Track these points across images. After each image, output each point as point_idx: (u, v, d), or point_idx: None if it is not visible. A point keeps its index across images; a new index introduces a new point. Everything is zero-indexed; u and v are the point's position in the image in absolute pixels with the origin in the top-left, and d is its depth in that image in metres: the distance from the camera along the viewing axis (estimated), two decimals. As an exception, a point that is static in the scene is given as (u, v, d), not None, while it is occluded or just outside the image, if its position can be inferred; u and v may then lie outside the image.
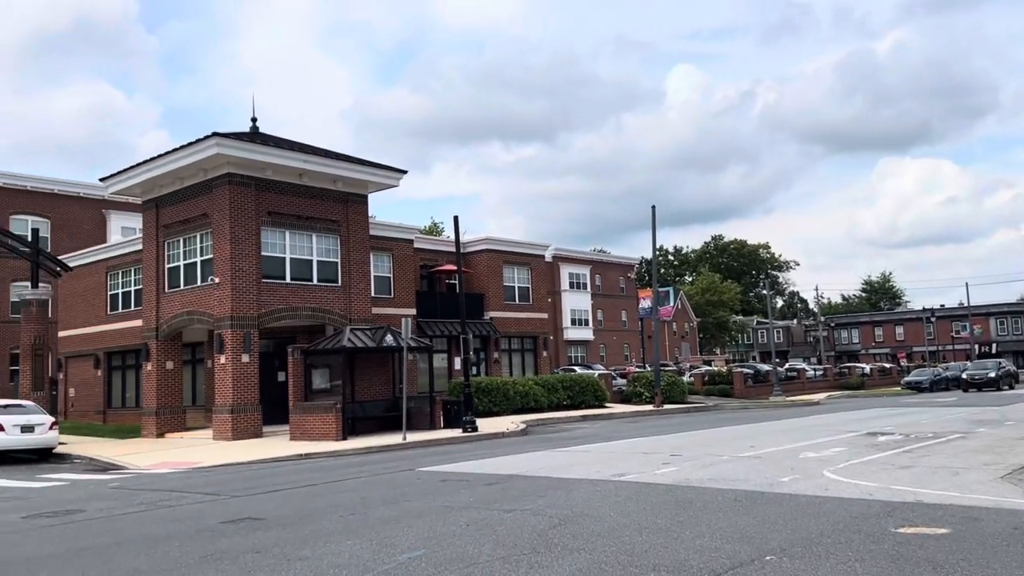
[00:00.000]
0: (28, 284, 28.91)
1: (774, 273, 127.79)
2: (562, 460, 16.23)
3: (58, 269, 30.27)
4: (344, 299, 27.18)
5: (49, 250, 34.94)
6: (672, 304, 46.84)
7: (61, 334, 35.77)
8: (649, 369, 43.45)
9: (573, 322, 63.25)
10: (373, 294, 29.46)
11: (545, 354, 41.15)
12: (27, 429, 21.01)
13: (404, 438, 22.03)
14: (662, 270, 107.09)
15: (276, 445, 21.87)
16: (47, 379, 28.47)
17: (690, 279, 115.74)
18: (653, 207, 38.53)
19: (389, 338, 24.91)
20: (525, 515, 9.75)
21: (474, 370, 32.60)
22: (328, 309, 26.73)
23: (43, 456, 21.66)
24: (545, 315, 42.32)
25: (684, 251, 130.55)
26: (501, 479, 13.36)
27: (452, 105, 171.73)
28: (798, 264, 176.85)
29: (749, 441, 18.73)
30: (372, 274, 29.44)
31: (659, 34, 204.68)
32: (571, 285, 63.54)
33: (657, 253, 40.53)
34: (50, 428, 21.54)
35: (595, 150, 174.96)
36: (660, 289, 41.86)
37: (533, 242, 43.78)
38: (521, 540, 8.32)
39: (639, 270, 73.86)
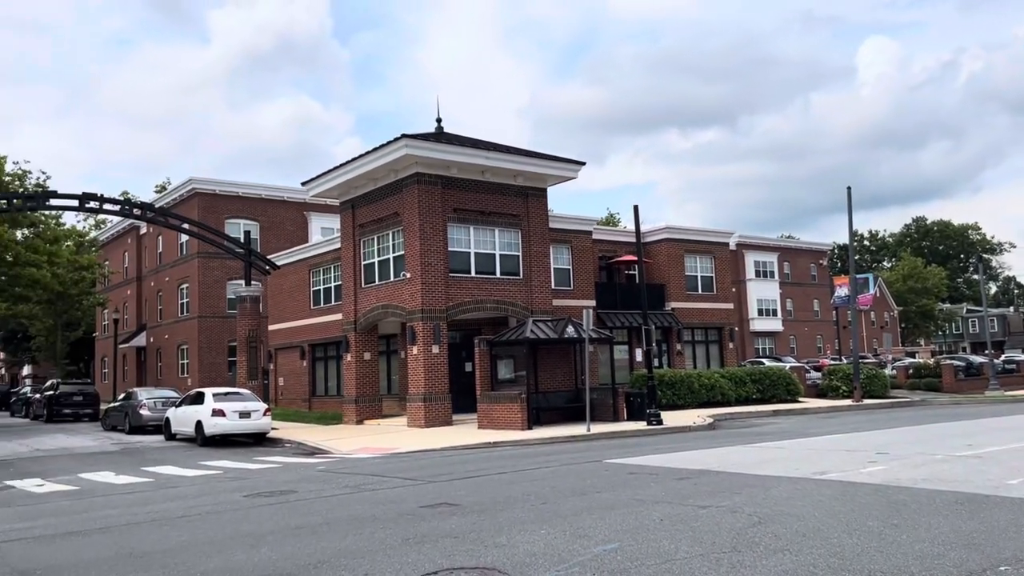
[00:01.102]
0: (242, 282, 31.59)
1: (986, 256, 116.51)
2: (755, 456, 15.57)
3: (267, 268, 32.85)
4: (525, 291, 27.59)
5: (259, 251, 38.00)
6: (871, 292, 43.72)
7: (271, 327, 38.83)
8: (846, 361, 40.89)
9: (760, 312, 60.82)
10: (553, 286, 29.70)
11: (731, 346, 39.78)
12: (244, 415, 22.97)
13: (588, 429, 22.03)
14: (857, 256, 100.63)
15: (465, 433, 22.57)
16: (260, 369, 31.01)
17: (889, 265, 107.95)
18: (848, 188, 36.18)
19: (570, 329, 25.00)
20: (721, 512, 9.40)
21: (656, 362, 32.09)
22: (511, 301, 27.24)
23: (258, 440, 23.59)
24: (730, 305, 40.90)
25: (881, 235, 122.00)
26: (692, 474, 12.99)
27: (627, 95, 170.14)
28: (1014, 246, 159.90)
29: (965, 439, 17.11)
30: (552, 266, 29.69)
31: (848, 6, 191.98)
32: (757, 274, 61.12)
33: (853, 237, 37.98)
34: (264, 414, 23.44)
35: (779, 132, 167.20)
36: (858, 276, 39.19)
37: (715, 229, 42.36)
38: (719, 538, 8.01)
39: (831, 256, 69.75)
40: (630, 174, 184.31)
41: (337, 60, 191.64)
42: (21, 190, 31.92)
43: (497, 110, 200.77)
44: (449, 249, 26.10)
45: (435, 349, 25.35)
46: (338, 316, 31.02)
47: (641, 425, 23.39)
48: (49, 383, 41.48)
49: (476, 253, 26.87)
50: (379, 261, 27.84)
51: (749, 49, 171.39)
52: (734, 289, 48.49)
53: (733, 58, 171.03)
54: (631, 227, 34.97)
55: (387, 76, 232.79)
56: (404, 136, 24.75)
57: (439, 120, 28.06)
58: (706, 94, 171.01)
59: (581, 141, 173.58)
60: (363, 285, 28.53)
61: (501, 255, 27.41)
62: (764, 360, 48.27)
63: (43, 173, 34.80)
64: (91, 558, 8.39)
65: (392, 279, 26.93)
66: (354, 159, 27.05)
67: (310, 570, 7.41)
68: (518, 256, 27.77)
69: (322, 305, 35.07)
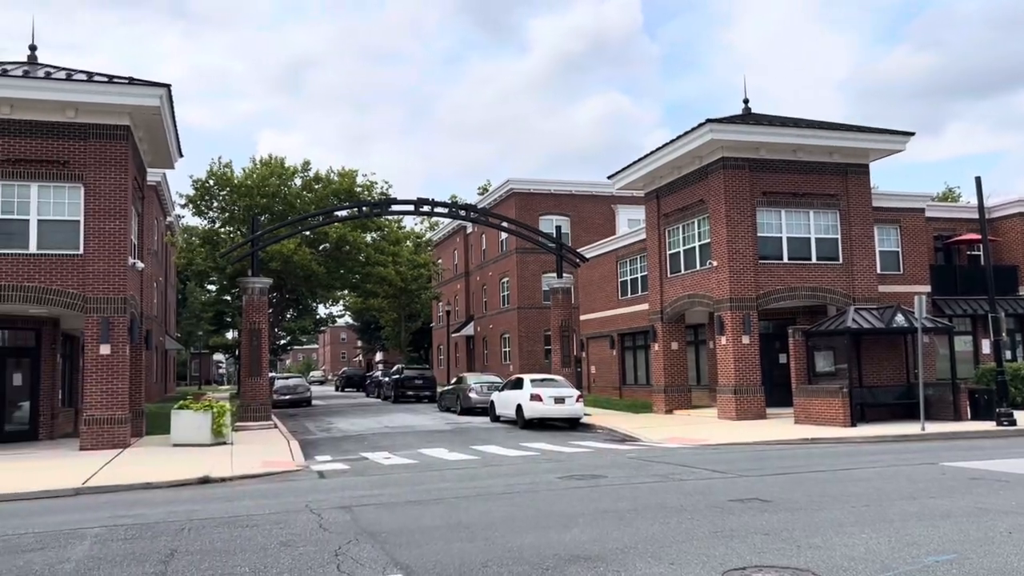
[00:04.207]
0: (555, 275, 33.12)
1: None
2: None
3: (577, 260, 34.08)
4: (846, 277, 25.63)
5: (570, 244, 39.53)
6: None
7: (582, 317, 40.26)
8: None
9: None
10: (878, 270, 27.23)
11: (1108, 336, 33.47)
12: (559, 400, 24.09)
13: (922, 428, 19.92)
14: None
15: (780, 427, 21.58)
16: (573, 357, 32.30)
17: None
18: None
19: (899, 318, 22.75)
20: (1090, 530, 8.00)
21: (1007, 354, 28.05)
22: (828, 288, 25.48)
23: (572, 425, 24.60)
24: (1106, 288, 34.41)
25: None
26: (1053, 483, 11.21)
27: (966, 56, 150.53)
28: None
29: None
30: (876, 249, 27.22)
31: None
32: None
33: None
34: (577, 400, 24.39)
35: None
36: None
37: (1085, 200, 35.82)
38: (1087, 560, 6.83)
39: None
40: (971, 143, 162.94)
41: (647, 53, 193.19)
42: (369, 199, 36.39)
43: (812, 86, 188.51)
44: (758, 235, 25.07)
45: (745, 339, 24.54)
46: (645, 306, 31.28)
47: (988, 426, 20.62)
48: (395, 368, 46.89)
49: (788, 238, 25.51)
50: (684, 250, 27.57)
51: None
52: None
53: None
54: (973, 202, 30.91)
55: (695, 63, 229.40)
56: (708, 121, 24.23)
57: (746, 101, 27.06)
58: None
59: (910, 111, 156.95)
60: (669, 275, 28.46)
61: (817, 239, 25.74)
62: None
63: (386, 183, 39.28)
64: (426, 525, 9.36)
65: (698, 268, 26.53)
66: (658, 149, 27.04)
67: (617, 554, 7.59)
68: (836, 239, 25.88)
69: (629, 295, 35.60)
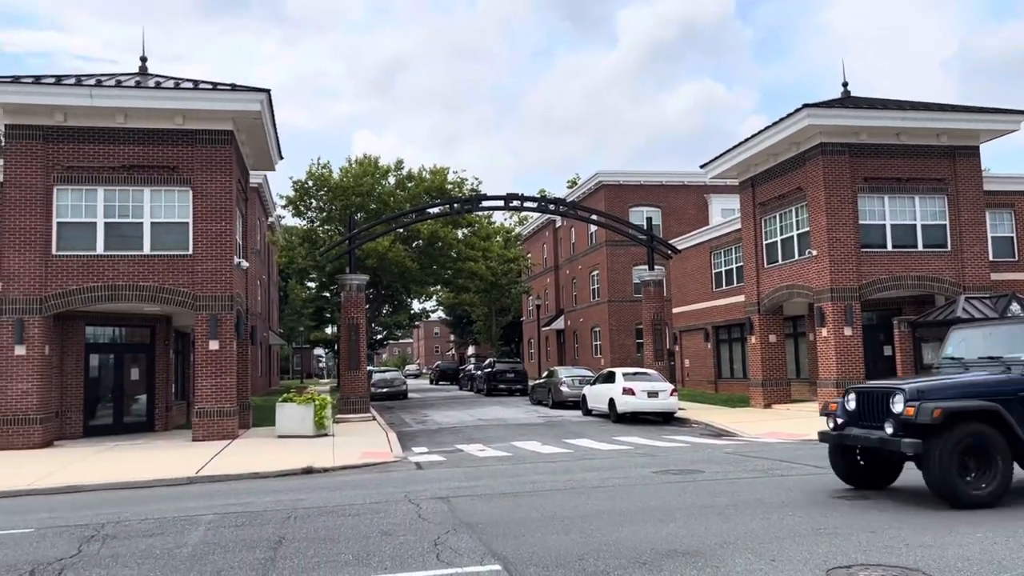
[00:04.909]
0: (646, 267, 32.77)
1: None
2: None
3: (669, 252, 33.63)
4: (955, 265, 24.43)
5: (661, 236, 39.04)
6: None
7: (675, 310, 39.71)
8: None
9: None
10: (991, 257, 25.82)
11: None
12: (652, 394, 23.86)
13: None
14: None
15: (885, 422, 20.76)
16: (666, 351, 31.92)
17: None
18: None
19: (1015, 307, 21.56)
20: None
21: None
22: (936, 277, 24.34)
23: (665, 419, 24.33)
24: None
25: None
26: None
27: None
28: None
29: None
30: (988, 235, 25.81)
31: None
32: None
33: None
34: (670, 394, 24.11)
35: None
36: None
37: None
38: None
39: None
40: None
41: (739, 39, 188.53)
42: (460, 195, 36.89)
43: (916, 66, 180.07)
44: (860, 222, 24.17)
45: (847, 331, 23.71)
46: (740, 298, 30.62)
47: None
48: (487, 361, 47.37)
49: (892, 225, 24.49)
50: (782, 239, 26.84)
51: None
52: None
53: None
54: (1097, 182, 28.93)
55: (790, 47, 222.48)
56: (805, 106, 23.50)
57: (845, 84, 26.10)
58: None
59: (1021, 89, 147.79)
60: (765, 265, 27.77)
61: (923, 225, 24.63)
62: None
63: (476, 179, 39.77)
64: (522, 517, 9.45)
65: (796, 257, 25.78)
66: (752, 136, 26.39)
67: (716, 549, 7.49)
68: (944, 225, 24.70)
69: (724, 287, 34.90)
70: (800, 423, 21.37)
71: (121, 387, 22.37)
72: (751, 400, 28.20)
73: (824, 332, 24.14)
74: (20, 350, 19.14)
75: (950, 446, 8.97)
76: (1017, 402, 9.35)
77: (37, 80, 19.75)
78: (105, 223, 19.98)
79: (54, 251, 19.67)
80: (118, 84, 20.20)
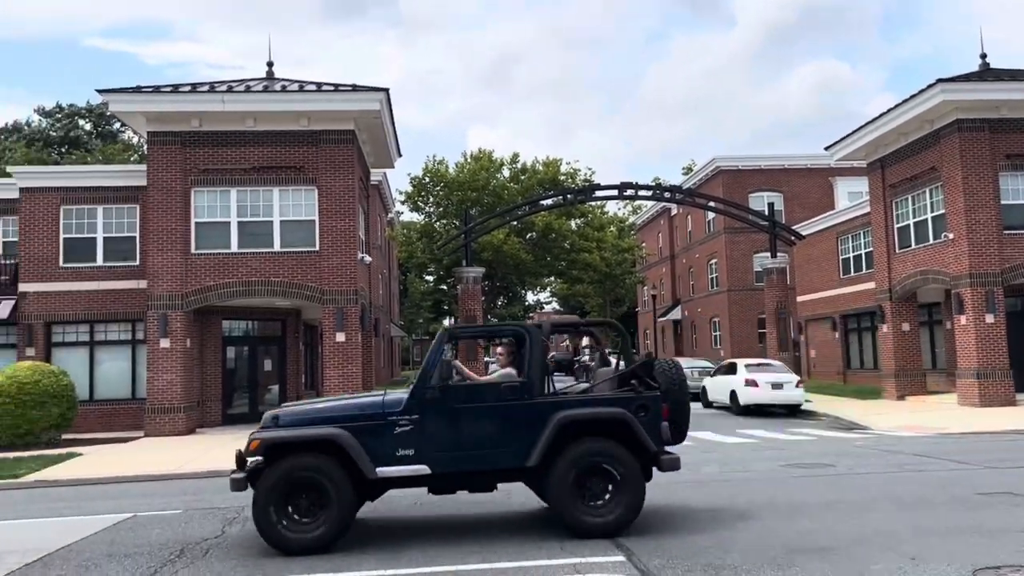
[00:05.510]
0: (768, 255, 31.74)
1: None
2: None
3: (792, 238, 32.45)
4: (1115, 246, 22.46)
5: (783, 222, 37.72)
6: None
7: (799, 299, 38.29)
8: None
9: None
10: None
11: None
12: (776, 386, 23.13)
13: None
14: None
15: (1034, 416, 19.38)
16: (790, 341, 30.84)
17: None
18: None
19: None
20: None
21: None
22: (1093, 259, 22.47)
23: (791, 411, 23.53)
24: None
25: None
26: None
27: None
28: None
29: None
30: None
31: None
32: None
33: None
34: (796, 386, 23.30)
35: None
36: None
37: None
38: None
39: None
40: None
41: (865, 15, 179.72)
42: (573, 186, 36.82)
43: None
44: (1002, 202, 22.56)
45: (989, 318, 22.22)
46: (870, 285, 29.21)
47: None
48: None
49: (1039, 204, 22.77)
50: (915, 223, 25.40)
51: None
52: None
53: None
54: None
55: (921, 20, 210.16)
56: (939, 81, 22.12)
57: (983, 56, 24.41)
58: None
59: None
60: (897, 250, 26.36)
61: (1075, 204, 22.77)
62: None
63: (589, 169, 39.84)
64: (644, 509, 9.35)
65: (931, 241, 24.34)
66: (881, 115, 25.08)
67: (851, 546, 7.20)
68: (1100, 204, 22.75)
69: (852, 274, 33.40)
70: (937, 416, 20.23)
71: (255, 378, 23.57)
72: (883, 392, 26.90)
73: (963, 320, 22.72)
74: (165, 343, 20.47)
75: None
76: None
77: (175, 89, 21.04)
78: (238, 222, 21.08)
79: (193, 250, 20.90)
80: (247, 89, 21.24)
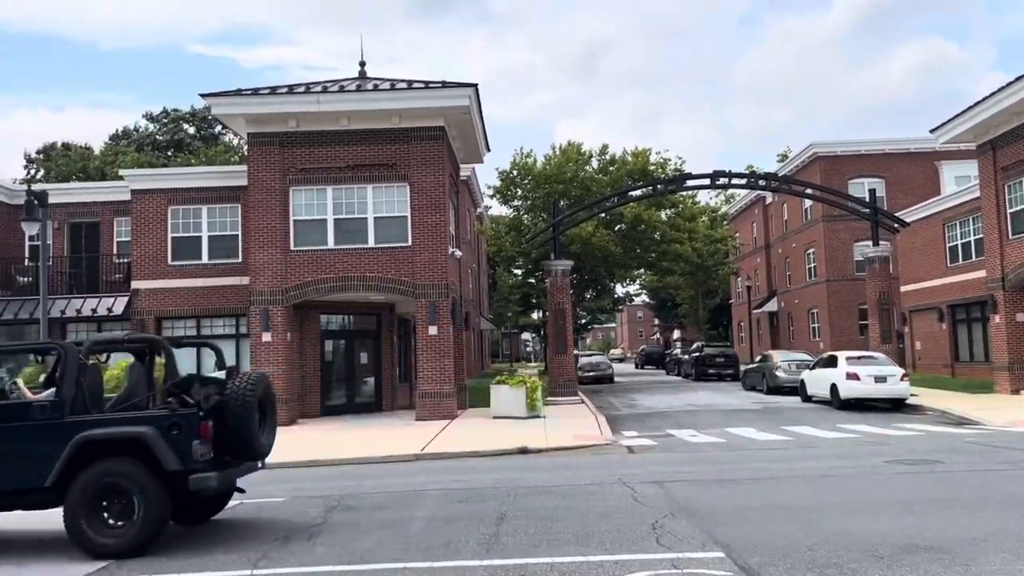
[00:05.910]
0: (869, 243, 30.53)
1: None
2: None
3: (895, 226, 31.12)
4: None
5: (885, 208, 36.20)
6: None
7: (903, 288, 36.70)
8: None
9: None
10: None
11: None
12: (880, 379, 22.23)
13: None
14: None
15: None
16: (894, 333, 29.60)
17: None
18: None
19: None
20: None
21: None
22: None
23: (895, 406, 22.58)
24: None
25: None
26: None
27: None
28: None
29: None
30: None
31: None
32: None
33: None
34: (900, 379, 22.34)
35: None
36: None
37: None
38: None
39: None
40: None
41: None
42: (663, 176, 36.24)
43: None
44: None
45: (1116, 307, 20.79)
46: (980, 273, 27.72)
47: None
48: (695, 346, 46.31)
49: None
50: (1031, 207, 23.97)
51: None
52: None
53: None
54: None
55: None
56: (1057, 55, 20.80)
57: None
58: None
59: None
60: (1010, 236, 24.93)
61: None
62: None
63: (679, 158, 38.92)
64: (741, 505, 9.18)
65: (1050, 227, 22.94)
66: (991, 95, 23.73)
67: (964, 546, 6.88)
68: None
69: (960, 262, 31.79)
70: (1058, 412, 19.07)
71: (352, 370, 24.20)
72: (995, 385, 25.53)
73: (1086, 310, 21.32)
74: (267, 337, 21.25)
75: None
76: None
77: (273, 91, 21.77)
78: (334, 219, 21.67)
79: (291, 247, 21.61)
80: (341, 89, 21.78)
